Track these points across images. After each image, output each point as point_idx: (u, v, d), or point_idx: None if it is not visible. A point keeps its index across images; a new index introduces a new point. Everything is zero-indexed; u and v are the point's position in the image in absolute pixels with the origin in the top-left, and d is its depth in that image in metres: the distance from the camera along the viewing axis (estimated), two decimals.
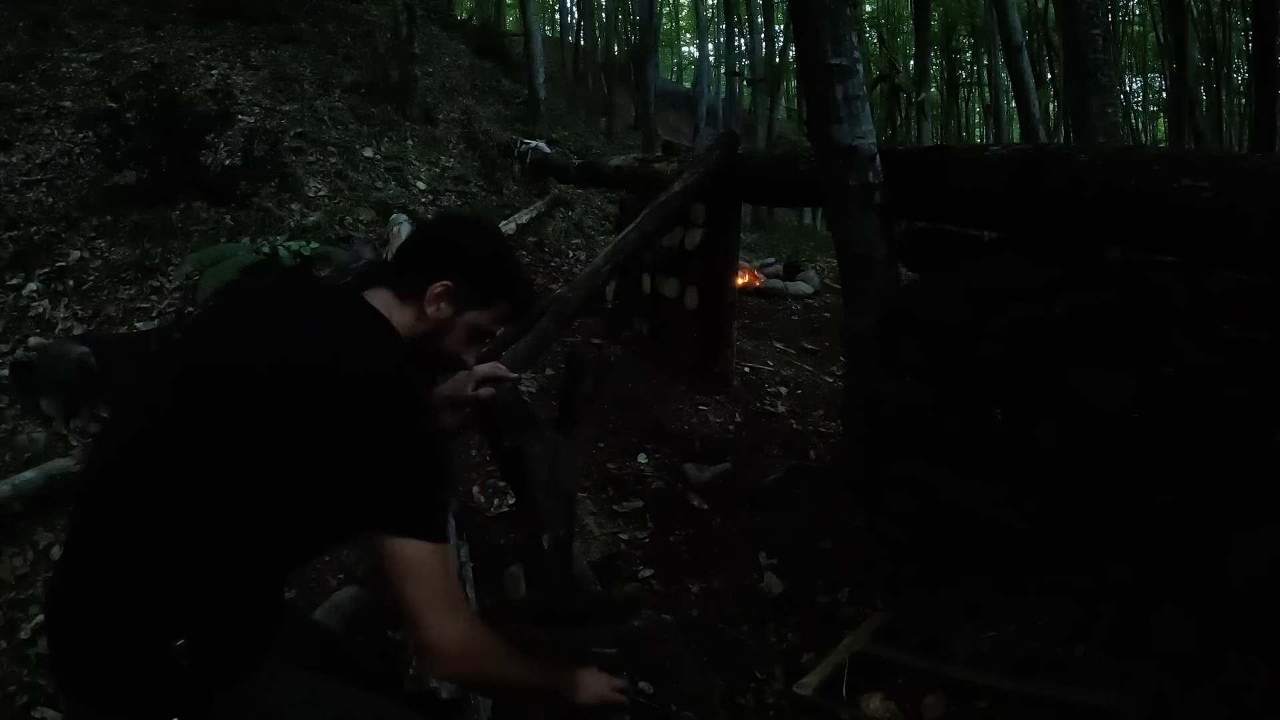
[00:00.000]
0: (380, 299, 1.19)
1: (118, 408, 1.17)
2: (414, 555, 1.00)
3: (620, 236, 3.55)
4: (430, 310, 1.20)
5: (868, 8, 19.63)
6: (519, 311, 1.36)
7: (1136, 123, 20.74)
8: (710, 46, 21.47)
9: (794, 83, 17.07)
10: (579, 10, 19.69)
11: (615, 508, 2.99)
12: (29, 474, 2.90)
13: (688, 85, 22.92)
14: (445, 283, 1.20)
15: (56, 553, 2.69)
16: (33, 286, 4.27)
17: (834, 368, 4.77)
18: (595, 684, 1.22)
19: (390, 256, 1.33)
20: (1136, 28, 19.71)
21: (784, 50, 16.80)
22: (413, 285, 1.21)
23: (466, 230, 1.32)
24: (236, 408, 1.04)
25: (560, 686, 1.20)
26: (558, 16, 24.04)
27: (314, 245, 4.59)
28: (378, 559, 1.02)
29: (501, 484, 2.94)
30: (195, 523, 1.03)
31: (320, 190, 5.95)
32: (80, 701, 1.08)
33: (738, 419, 3.72)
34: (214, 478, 1.02)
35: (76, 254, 4.54)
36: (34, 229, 4.65)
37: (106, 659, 1.05)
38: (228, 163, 5.48)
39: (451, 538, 2.34)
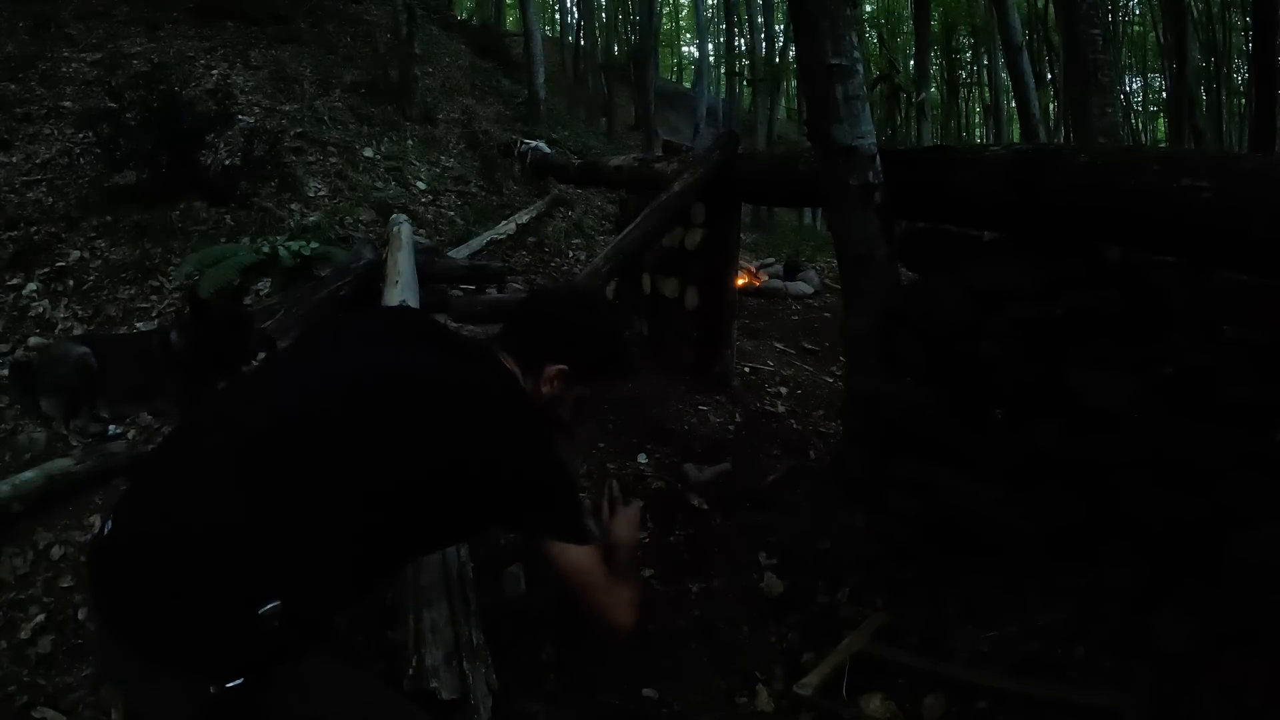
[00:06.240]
0: (510, 364, 1.39)
1: (255, 378, 1.35)
2: (580, 558, 1.30)
3: (620, 236, 3.55)
4: (545, 389, 1.39)
5: (868, 8, 19.65)
6: (620, 385, 1.58)
7: (1136, 123, 20.76)
8: (710, 46, 21.44)
9: (794, 83, 17.08)
10: (579, 10, 19.72)
11: None
12: (29, 474, 2.89)
13: (688, 85, 22.91)
14: (561, 367, 1.39)
15: (57, 552, 2.69)
16: (33, 286, 4.27)
17: (834, 368, 4.77)
18: (629, 532, 1.52)
19: (505, 326, 1.59)
20: (1136, 28, 19.73)
21: (784, 50, 16.82)
22: (532, 364, 1.40)
23: (582, 311, 1.49)
24: (412, 441, 1.19)
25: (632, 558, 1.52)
26: (558, 16, 24.07)
27: (314, 245, 4.59)
28: (553, 558, 1.30)
29: None
30: (339, 515, 1.14)
31: (320, 190, 5.94)
32: (138, 645, 1.05)
33: (738, 419, 3.71)
34: (381, 489, 1.17)
35: (76, 254, 4.54)
36: (34, 229, 4.64)
37: (193, 606, 1.04)
38: (228, 163, 5.48)
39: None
